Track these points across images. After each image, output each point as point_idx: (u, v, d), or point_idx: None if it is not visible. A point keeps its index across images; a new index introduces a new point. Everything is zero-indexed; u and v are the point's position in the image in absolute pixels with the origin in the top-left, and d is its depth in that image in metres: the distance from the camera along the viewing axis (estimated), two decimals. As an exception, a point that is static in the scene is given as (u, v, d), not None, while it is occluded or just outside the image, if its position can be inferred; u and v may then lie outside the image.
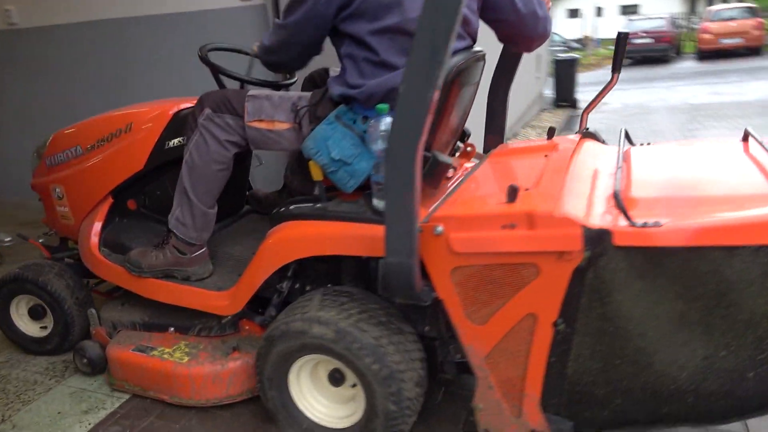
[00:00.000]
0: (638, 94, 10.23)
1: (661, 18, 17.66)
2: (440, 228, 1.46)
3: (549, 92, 9.70)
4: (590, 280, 1.37)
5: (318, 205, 1.74)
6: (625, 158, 1.75)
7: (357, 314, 1.63)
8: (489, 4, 1.74)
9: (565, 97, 9.31)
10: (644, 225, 1.30)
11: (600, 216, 1.38)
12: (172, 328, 2.09)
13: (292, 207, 1.79)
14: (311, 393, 1.79)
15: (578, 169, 1.67)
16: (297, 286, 1.95)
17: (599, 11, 27.90)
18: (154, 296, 2.02)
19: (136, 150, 2.09)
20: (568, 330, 1.44)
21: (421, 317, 1.76)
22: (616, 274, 1.35)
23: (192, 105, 2.16)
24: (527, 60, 7.74)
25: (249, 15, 3.43)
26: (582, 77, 10.56)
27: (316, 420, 1.77)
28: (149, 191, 2.23)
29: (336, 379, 1.75)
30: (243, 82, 2.15)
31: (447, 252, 1.47)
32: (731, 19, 16.30)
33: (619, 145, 1.79)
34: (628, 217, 1.32)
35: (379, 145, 1.55)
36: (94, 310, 2.16)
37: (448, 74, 1.58)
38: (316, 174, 1.73)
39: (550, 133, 2.08)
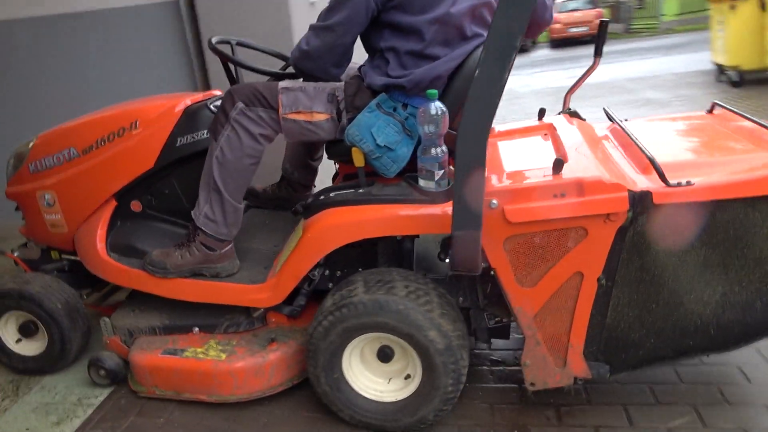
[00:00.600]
0: (506, 81, 11.20)
1: None
2: (495, 201, 1.60)
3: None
4: (631, 236, 1.58)
5: (361, 191, 1.81)
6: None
7: (409, 291, 1.73)
8: None
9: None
10: (678, 184, 1.53)
11: (639, 179, 1.59)
12: (196, 328, 2.05)
13: (332, 194, 1.84)
14: (362, 372, 1.86)
15: (590, 143, 1.88)
16: (326, 272, 2.00)
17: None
18: (182, 296, 1.98)
19: (145, 148, 2.02)
20: (609, 283, 1.65)
21: (456, 289, 1.90)
22: (654, 229, 1.57)
23: (199, 100, 2.14)
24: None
25: (161, 12, 3.33)
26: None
27: (371, 397, 1.84)
28: (156, 191, 2.15)
29: (385, 355, 1.84)
30: (255, 72, 2.11)
31: (501, 223, 1.61)
32: (576, 10, 18.35)
33: (616, 121, 2.03)
34: (664, 179, 1.53)
35: (429, 129, 1.66)
36: (107, 319, 2.06)
37: None
38: (358, 160, 1.79)
39: (541, 113, 2.29)
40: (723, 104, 2.04)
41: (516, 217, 1.60)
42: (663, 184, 1.54)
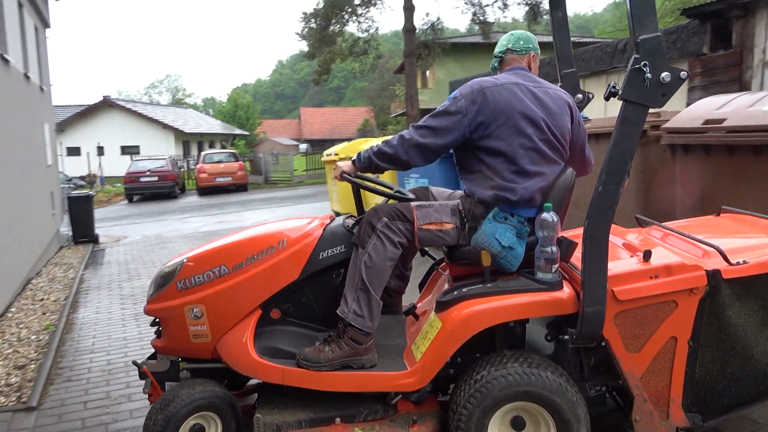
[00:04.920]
0: (155, 226, 11.85)
1: (163, 158, 20.41)
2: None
3: (66, 229, 9.90)
4: (708, 305, 2.10)
5: (489, 285, 2.25)
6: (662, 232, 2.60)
7: (542, 366, 2.13)
8: (573, 145, 2.49)
9: (84, 232, 9.51)
10: (737, 263, 2.09)
11: (707, 261, 2.14)
12: (338, 419, 2.30)
13: (464, 290, 2.26)
14: (501, 439, 2.18)
15: (647, 240, 2.46)
16: (449, 360, 2.36)
17: (101, 150, 28.58)
18: (335, 387, 2.25)
19: (293, 263, 2.39)
20: (695, 344, 2.13)
21: (564, 365, 2.31)
22: (725, 298, 2.10)
23: (330, 221, 2.58)
24: (41, 197, 8.26)
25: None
26: (98, 213, 11.30)
27: None
28: (294, 299, 2.48)
29: (518, 425, 2.17)
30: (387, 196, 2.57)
31: (612, 302, 2.09)
32: (220, 161, 20.22)
33: (654, 224, 2.64)
34: (727, 260, 2.09)
35: (546, 233, 2.16)
36: (260, 416, 2.28)
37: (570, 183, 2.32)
38: (486, 261, 2.25)
39: None
40: (730, 207, 2.71)
41: (624, 296, 2.09)
42: (726, 264, 2.10)
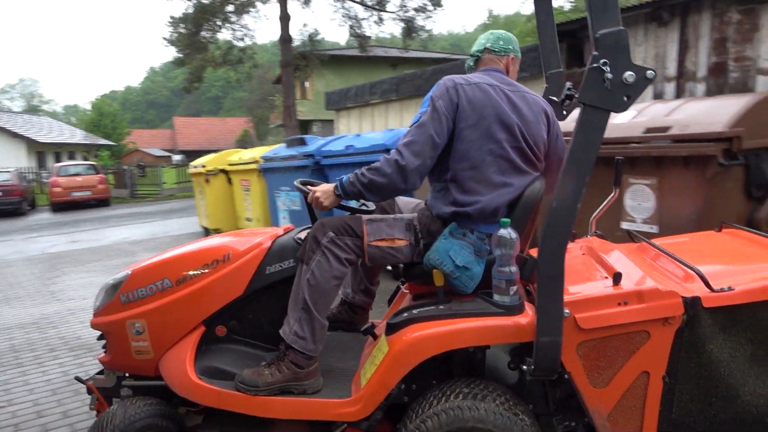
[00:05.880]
0: (-6, 248, 10.54)
1: (8, 171, 18.22)
2: (567, 311, 1.85)
3: None
4: (687, 337, 1.84)
5: (441, 307, 2.04)
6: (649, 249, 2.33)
7: (499, 398, 1.91)
8: (549, 156, 2.26)
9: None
10: (721, 290, 1.82)
11: (684, 287, 1.88)
12: (279, 447, 2.14)
13: (415, 311, 2.06)
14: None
15: (628, 258, 2.19)
16: (403, 386, 2.16)
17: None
18: (272, 414, 2.09)
19: (238, 277, 2.25)
20: (672, 381, 1.87)
21: (527, 397, 2.08)
22: (706, 330, 1.83)
23: (283, 233, 2.41)
24: None
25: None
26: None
27: None
28: (240, 316, 2.34)
29: None
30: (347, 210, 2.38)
31: (574, 330, 1.85)
32: (78, 174, 18.50)
33: (643, 240, 2.37)
34: (709, 286, 1.83)
35: (503, 251, 1.94)
36: None
37: (538, 195, 2.08)
38: (439, 281, 2.05)
39: (573, 236, 2.63)
40: (731, 223, 2.42)
41: (587, 324, 1.85)
42: (708, 290, 1.83)
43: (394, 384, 2.01)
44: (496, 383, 2.02)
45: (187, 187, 20.41)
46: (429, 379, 2.13)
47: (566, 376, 1.90)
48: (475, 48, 2.33)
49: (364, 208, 2.37)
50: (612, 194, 2.65)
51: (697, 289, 1.87)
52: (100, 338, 2.45)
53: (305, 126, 24.72)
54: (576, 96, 1.69)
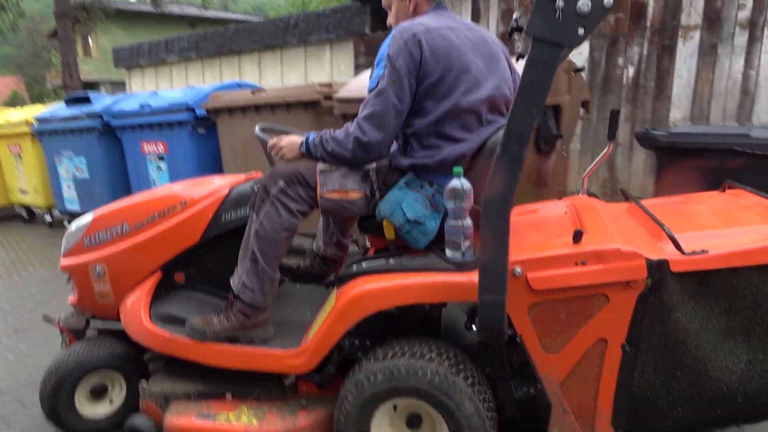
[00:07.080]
0: None
1: None
2: (519, 269, 1.69)
3: None
4: (651, 303, 1.65)
5: (392, 261, 1.92)
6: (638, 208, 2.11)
7: (441, 359, 1.79)
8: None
9: None
10: (693, 253, 1.61)
11: (655, 249, 1.68)
12: (229, 395, 2.11)
13: (364, 264, 1.95)
14: (391, 438, 1.89)
15: (608, 218, 1.99)
16: (356, 341, 2.07)
17: None
18: (219, 363, 2.06)
19: (193, 224, 2.20)
20: (634, 350, 1.69)
21: (483, 359, 1.95)
22: (673, 297, 1.63)
23: (243, 181, 2.33)
24: None
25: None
26: None
27: None
28: (198, 263, 2.30)
29: (414, 422, 1.87)
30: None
31: (525, 291, 1.70)
32: None
33: (632, 199, 2.15)
34: (680, 248, 1.62)
35: (455, 204, 1.79)
36: (145, 385, 2.14)
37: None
38: (390, 234, 1.92)
39: (560, 195, 2.43)
40: (735, 183, 2.15)
41: (539, 285, 1.69)
42: (679, 253, 1.62)
43: (338, 338, 1.93)
44: (449, 344, 1.90)
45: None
46: (384, 336, 2.04)
47: (518, 340, 1.76)
48: None
49: None
50: (605, 149, 2.42)
51: (669, 251, 1.66)
52: (68, 281, 2.47)
53: (91, 87, 21.80)
54: (524, 28, 1.49)
